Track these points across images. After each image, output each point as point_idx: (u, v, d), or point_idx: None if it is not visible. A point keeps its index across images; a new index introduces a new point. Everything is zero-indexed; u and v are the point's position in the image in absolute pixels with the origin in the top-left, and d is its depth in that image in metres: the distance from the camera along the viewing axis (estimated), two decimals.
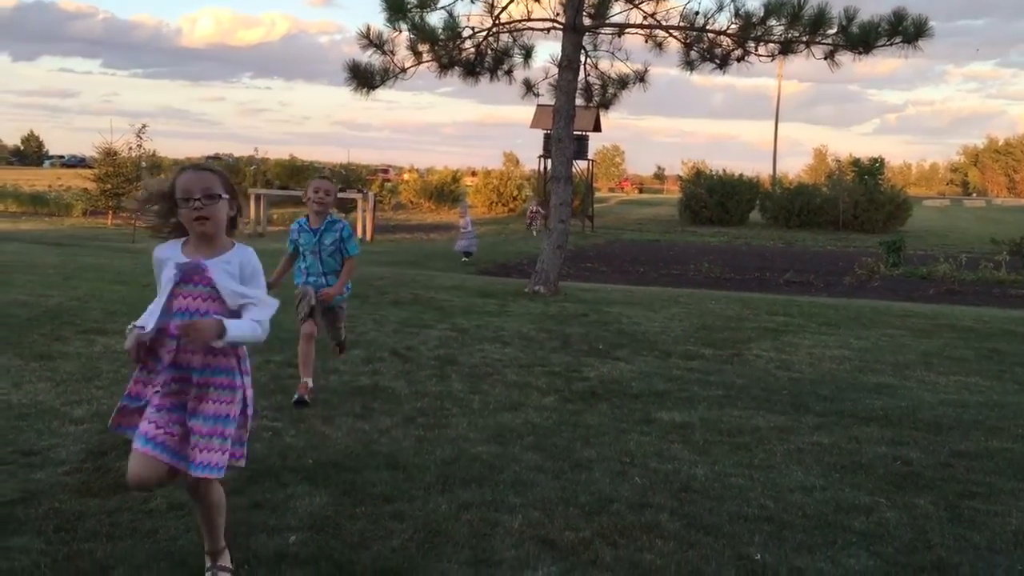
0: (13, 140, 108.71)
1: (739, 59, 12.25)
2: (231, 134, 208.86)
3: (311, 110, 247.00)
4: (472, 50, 12.82)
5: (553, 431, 5.23)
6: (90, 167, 39.21)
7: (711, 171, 43.55)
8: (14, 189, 34.71)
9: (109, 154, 28.23)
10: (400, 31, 11.94)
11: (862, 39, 10.96)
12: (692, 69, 12.76)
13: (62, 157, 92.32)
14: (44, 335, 7.33)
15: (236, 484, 4.07)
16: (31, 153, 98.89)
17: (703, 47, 12.50)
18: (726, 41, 12.25)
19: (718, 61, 12.43)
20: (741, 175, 40.59)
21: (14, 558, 3.22)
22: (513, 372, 6.86)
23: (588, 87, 13.71)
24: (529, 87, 13.66)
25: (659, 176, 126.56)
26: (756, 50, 12.03)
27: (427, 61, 12.29)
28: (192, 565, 3.21)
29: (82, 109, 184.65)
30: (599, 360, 7.51)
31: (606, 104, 14.06)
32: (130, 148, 26.37)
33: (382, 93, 13.29)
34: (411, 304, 10.40)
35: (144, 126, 25.42)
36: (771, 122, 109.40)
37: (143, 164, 28.81)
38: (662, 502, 4.06)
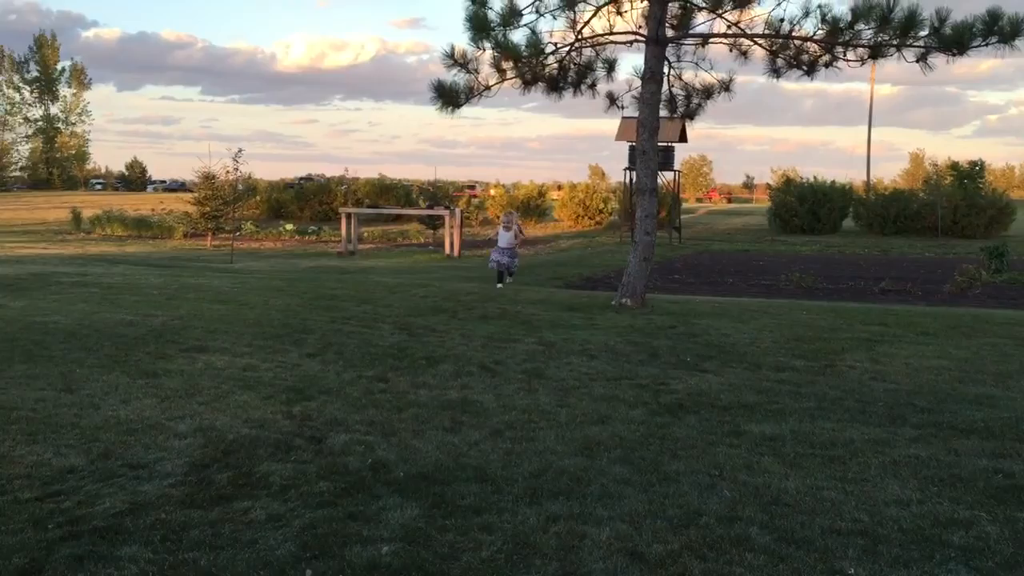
0: (118, 166, 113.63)
1: (827, 65, 12.01)
2: (323, 155, 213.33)
3: (399, 129, 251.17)
4: (555, 65, 12.89)
5: (641, 444, 5.23)
6: (190, 191, 40.66)
7: (802, 178, 42.65)
8: (120, 213, 36.20)
9: (208, 178, 29.23)
10: (484, 49, 12.09)
11: (955, 40, 10.63)
12: (778, 76, 12.57)
13: (164, 182, 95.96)
14: (149, 353, 7.65)
15: (329, 496, 4.21)
16: (135, 179, 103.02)
17: (789, 54, 12.31)
18: (813, 47, 12.04)
19: (805, 68, 12.21)
20: (833, 182, 39.64)
21: (123, 567, 3.39)
22: (600, 385, 6.87)
23: (672, 98, 13.64)
24: (612, 100, 13.66)
25: (748, 185, 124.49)
26: (844, 55, 11.78)
27: (511, 78, 12.42)
28: (290, 575, 3.33)
29: (183, 135, 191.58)
30: (687, 372, 7.45)
31: (691, 114, 13.96)
32: (227, 172, 27.25)
33: (468, 110, 13.51)
34: (498, 319, 10.50)
35: (240, 150, 26.20)
36: (864, 127, 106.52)
37: (239, 187, 29.71)
38: (752, 515, 4.02)
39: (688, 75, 13.42)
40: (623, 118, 27.40)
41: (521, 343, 8.76)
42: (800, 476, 4.64)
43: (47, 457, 4.74)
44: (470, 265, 22.17)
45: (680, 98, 13.69)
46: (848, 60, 11.78)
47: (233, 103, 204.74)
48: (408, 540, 3.68)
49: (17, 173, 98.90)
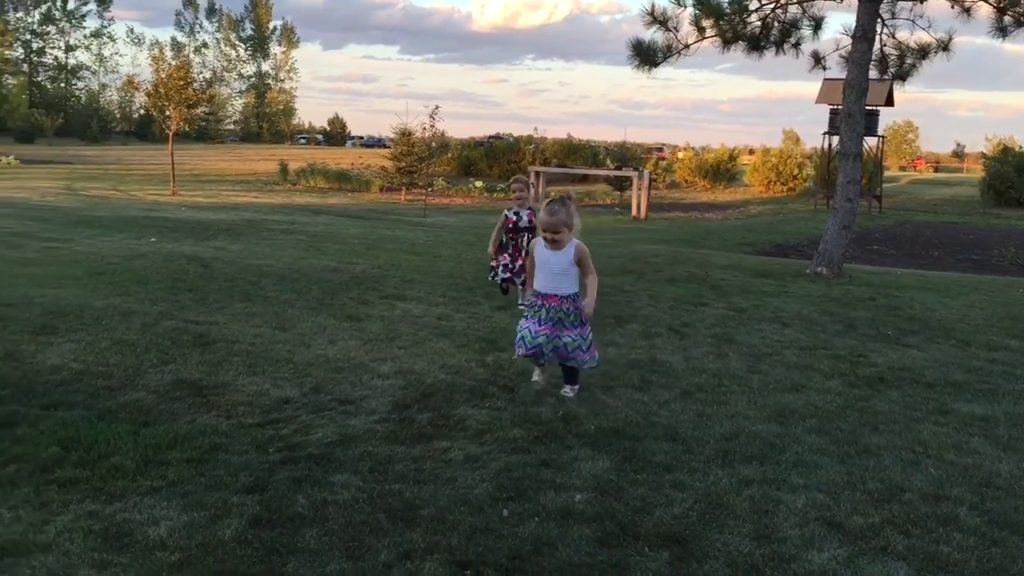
0: (320, 122, 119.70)
1: None
2: (511, 114, 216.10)
3: (588, 89, 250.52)
4: (757, 23, 12.47)
5: (837, 415, 5.06)
6: (386, 147, 42.25)
7: (1021, 147, 39.40)
8: (322, 167, 38.13)
9: (405, 135, 30.24)
10: (685, 7, 11.86)
11: None
12: (1004, 36, 11.63)
13: (361, 137, 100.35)
14: (352, 298, 8.07)
15: (523, 443, 4.33)
16: (336, 134, 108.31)
17: (1019, 11, 11.35)
18: None
19: None
20: None
21: (336, 492, 3.63)
22: (793, 354, 6.68)
23: (883, 58, 12.91)
24: (817, 60, 13.08)
25: (958, 154, 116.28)
26: None
27: (710, 37, 12.11)
28: (488, 513, 3.47)
29: (380, 93, 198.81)
30: (887, 346, 7.12)
31: (903, 76, 13.17)
32: (424, 129, 28.13)
33: (659, 71, 13.18)
34: (687, 282, 10.37)
35: (437, 107, 27.00)
36: None
37: (433, 144, 30.61)
38: (960, 495, 3.83)
39: (902, 34, 12.67)
40: (825, 80, 26.17)
41: (710, 307, 8.63)
42: (1015, 459, 4.36)
43: (265, 388, 5.13)
44: (656, 227, 21.97)
45: (892, 58, 12.95)
46: None
47: (428, 62, 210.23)
48: (600, 490, 3.74)
49: (231, 126, 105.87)
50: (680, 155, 62.17)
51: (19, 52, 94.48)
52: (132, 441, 4.06)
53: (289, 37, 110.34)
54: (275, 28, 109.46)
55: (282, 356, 5.84)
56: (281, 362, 5.69)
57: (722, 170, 42.93)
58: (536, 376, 5.49)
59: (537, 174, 27.12)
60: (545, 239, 5.25)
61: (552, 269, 5.23)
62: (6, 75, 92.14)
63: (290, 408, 4.79)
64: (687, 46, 12.02)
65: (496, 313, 7.78)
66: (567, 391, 5.22)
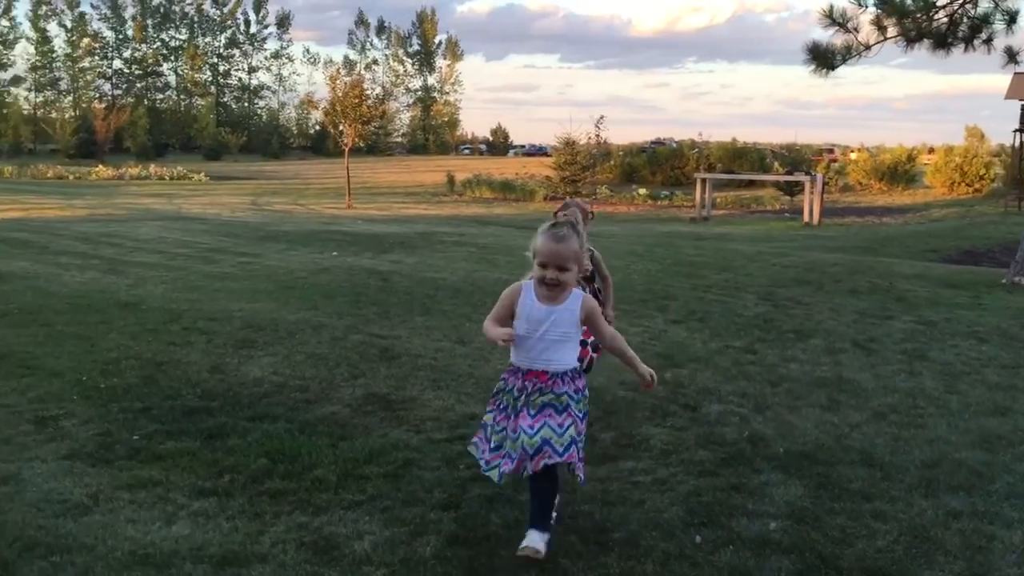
0: (483, 132, 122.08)
1: None
2: (672, 119, 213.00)
3: (752, 90, 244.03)
4: (944, 20, 11.80)
5: None
6: (547, 155, 42.60)
7: None
8: (487, 177, 38.89)
9: (568, 144, 30.45)
10: (865, 7, 11.37)
11: None
12: None
13: (523, 146, 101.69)
14: None
15: (710, 465, 4.26)
16: (498, 143, 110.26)
17: None
18: None
19: None
20: None
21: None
22: (994, 373, 6.27)
23: None
24: (1012, 56, 12.23)
25: None
26: None
27: (892, 37, 11.56)
28: (681, 538, 3.43)
29: (540, 101, 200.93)
30: None
31: None
32: (589, 138, 28.25)
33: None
34: (869, 293, 9.93)
35: (602, 117, 27.10)
36: None
37: (594, 152, 30.66)
38: None
39: None
40: (1016, 74, 24.57)
41: (897, 320, 8.22)
42: None
43: (451, 403, 5.27)
44: (831, 234, 21.15)
45: None
46: None
47: (588, 69, 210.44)
48: (795, 518, 3.63)
49: (399, 139, 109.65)
50: (853, 156, 59.64)
51: (207, 75, 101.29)
52: (332, 454, 4.27)
53: (453, 50, 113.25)
54: (440, 42, 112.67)
55: (464, 371, 5.99)
56: (463, 377, 5.84)
57: (900, 171, 40.82)
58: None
59: (703, 181, 26.66)
60: (540, 283, 3.32)
61: (545, 334, 3.31)
62: (196, 97, 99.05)
63: (475, 424, 4.88)
64: (867, 47, 11.52)
65: (671, 327, 7.70)
66: (535, 543, 3.22)
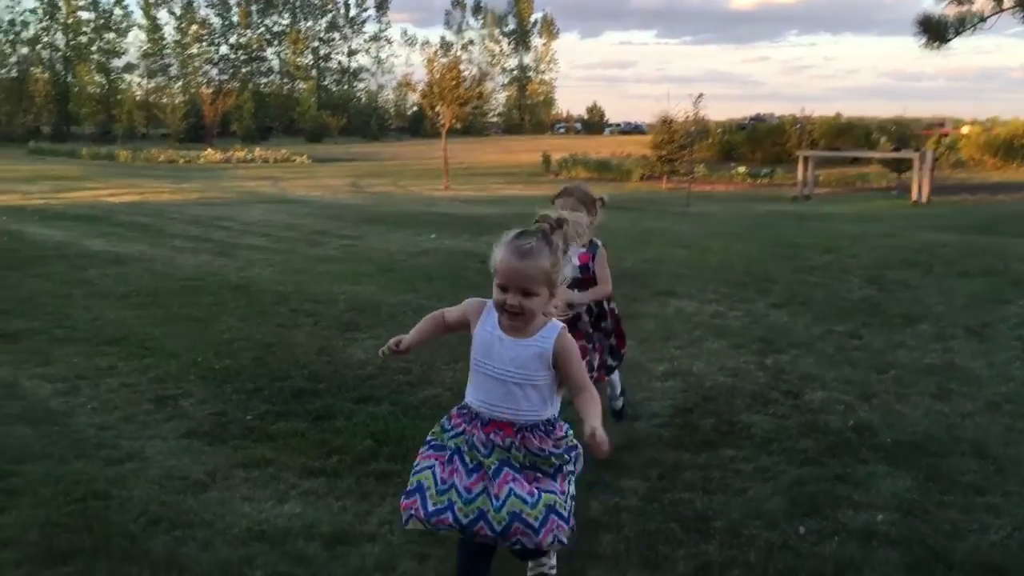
0: (578, 110, 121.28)
1: None
2: (772, 93, 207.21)
3: (857, 63, 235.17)
4: None
5: None
6: (643, 133, 42.12)
7: None
8: (583, 157, 38.67)
9: (665, 122, 30.04)
10: None
11: None
12: None
13: (618, 124, 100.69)
14: (624, 295, 8.11)
15: (813, 454, 4.20)
16: (594, 122, 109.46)
17: None
18: None
19: None
20: None
21: (627, 498, 3.72)
22: None
23: None
24: None
25: None
26: None
27: (1009, 8, 11.03)
28: (784, 528, 3.40)
29: (637, 78, 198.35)
30: None
31: None
32: (686, 116, 27.81)
33: None
34: (982, 276, 9.54)
35: (701, 95, 26.62)
36: None
37: (692, 130, 30.16)
38: None
39: None
40: None
41: (1014, 305, 7.90)
42: None
43: None
44: (942, 213, 20.34)
45: None
46: None
47: (686, 44, 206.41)
48: (903, 511, 3.56)
49: (494, 119, 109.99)
50: (965, 130, 57.13)
51: (309, 59, 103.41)
52: None
53: (549, 29, 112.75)
54: (536, 21, 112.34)
55: None
56: None
57: (1016, 145, 38.91)
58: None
59: (805, 159, 25.96)
60: (500, 310, 2.73)
61: (503, 373, 2.71)
62: (298, 80, 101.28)
63: (571, 409, 4.92)
64: (983, 19, 11.03)
65: (772, 311, 7.58)
66: None
